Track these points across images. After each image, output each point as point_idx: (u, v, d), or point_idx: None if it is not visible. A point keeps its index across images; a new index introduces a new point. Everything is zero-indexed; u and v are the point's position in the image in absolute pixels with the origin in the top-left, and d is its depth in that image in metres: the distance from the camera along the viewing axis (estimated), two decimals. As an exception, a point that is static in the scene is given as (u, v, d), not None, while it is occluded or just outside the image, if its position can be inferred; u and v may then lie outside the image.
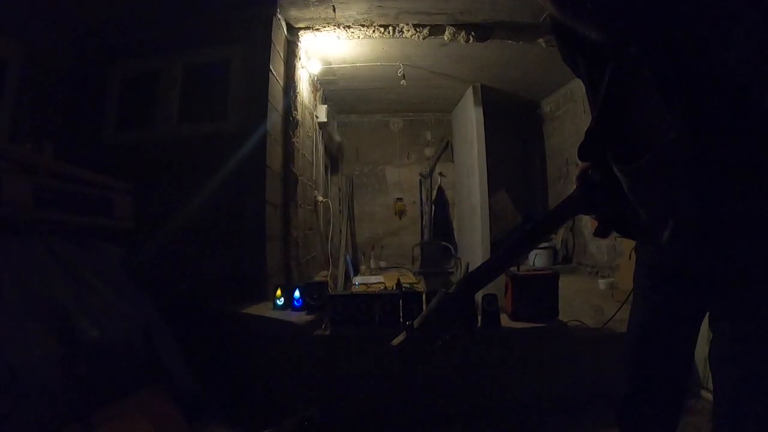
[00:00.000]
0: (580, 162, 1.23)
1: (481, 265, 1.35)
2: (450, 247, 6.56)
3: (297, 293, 3.11)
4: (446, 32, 4.24)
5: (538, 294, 2.91)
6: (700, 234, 1.02)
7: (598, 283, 4.69)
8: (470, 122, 6.23)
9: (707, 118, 0.91)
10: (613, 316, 2.88)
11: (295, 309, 3.08)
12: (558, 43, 1.18)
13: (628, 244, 3.51)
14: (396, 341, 1.26)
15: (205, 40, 3.79)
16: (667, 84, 0.93)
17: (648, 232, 1.13)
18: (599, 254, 5.73)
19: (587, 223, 5.96)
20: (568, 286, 4.27)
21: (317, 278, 4.71)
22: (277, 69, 3.93)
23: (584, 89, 1.23)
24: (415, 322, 1.27)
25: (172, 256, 3.37)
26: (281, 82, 4.07)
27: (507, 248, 1.30)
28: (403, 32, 4.21)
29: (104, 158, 3.37)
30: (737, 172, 0.93)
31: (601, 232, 1.28)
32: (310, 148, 5.20)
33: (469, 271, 1.38)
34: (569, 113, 6.35)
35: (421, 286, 4.95)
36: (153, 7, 3.67)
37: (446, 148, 7.58)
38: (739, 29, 0.84)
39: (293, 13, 3.98)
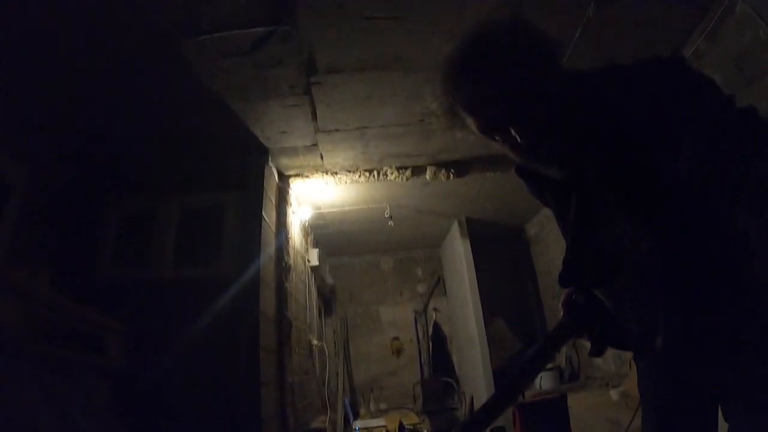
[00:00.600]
0: (561, 287, 1.30)
1: (482, 405, 1.33)
2: (452, 381, 6.34)
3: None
4: (428, 171, 4.54)
5: (548, 419, 2.81)
6: (690, 340, 1.06)
7: (609, 394, 4.50)
8: (459, 255, 6.37)
9: (670, 228, 1.01)
10: (630, 424, 2.75)
11: (294, 457, 2.91)
12: (526, 184, 1.33)
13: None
14: None
15: (201, 185, 3.99)
16: (628, 201, 1.04)
17: (640, 342, 1.17)
18: (605, 365, 5.56)
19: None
20: (579, 403, 4.10)
21: (315, 424, 4.48)
22: (270, 215, 4.10)
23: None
24: None
25: (163, 398, 3.24)
26: (273, 228, 4.22)
27: (507, 385, 1.31)
28: (387, 175, 4.50)
29: (98, 292, 3.38)
30: (708, 277, 1.00)
31: (595, 352, 1.30)
32: (303, 292, 5.24)
33: (474, 407, 1.37)
34: (553, 234, 6.52)
35: (425, 426, 4.70)
36: (154, 148, 3.91)
37: (438, 283, 7.64)
38: (683, 146, 0.94)
39: (284, 161, 4.28)
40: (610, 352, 5.40)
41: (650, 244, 1.02)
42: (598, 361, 5.76)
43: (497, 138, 1.10)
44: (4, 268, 2.67)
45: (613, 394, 4.42)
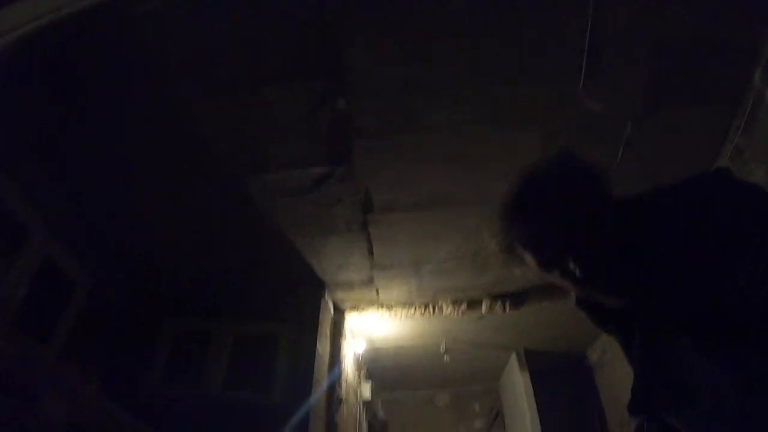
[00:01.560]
0: (631, 418, 1.23)
1: None
2: None
3: None
4: (483, 304, 4.48)
5: None
6: None
7: None
8: (518, 388, 6.06)
9: (741, 352, 0.95)
10: None
11: None
12: (587, 315, 1.30)
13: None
14: None
15: (257, 313, 4.09)
16: (693, 326, 1.00)
17: None
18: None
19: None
20: None
21: None
22: (324, 347, 4.09)
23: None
24: None
25: None
26: (326, 360, 4.19)
27: None
28: (442, 309, 4.47)
29: (144, 405, 3.36)
30: None
31: None
32: (353, 426, 5.03)
33: None
34: (618, 357, 6.10)
35: None
36: (215, 276, 4.06)
37: (497, 418, 7.18)
38: (743, 265, 0.92)
39: (340, 294, 4.34)
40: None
41: (722, 369, 0.96)
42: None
43: (556, 273, 1.09)
44: (55, 365, 2.71)
45: None
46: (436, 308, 4.46)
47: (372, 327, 4.82)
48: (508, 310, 4.52)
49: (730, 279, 0.94)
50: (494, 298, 4.52)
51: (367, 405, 5.79)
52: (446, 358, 5.31)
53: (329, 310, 4.36)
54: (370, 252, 3.72)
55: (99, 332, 3.73)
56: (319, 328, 3.99)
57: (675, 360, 1.06)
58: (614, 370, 6.36)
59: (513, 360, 6.26)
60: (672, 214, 1.05)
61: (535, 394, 5.88)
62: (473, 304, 4.49)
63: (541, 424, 5.69)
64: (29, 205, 3.06)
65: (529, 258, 1.11)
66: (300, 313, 4.04)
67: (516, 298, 4.53)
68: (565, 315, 5.04)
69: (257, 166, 3.02)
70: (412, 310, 4.47)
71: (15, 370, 2.08)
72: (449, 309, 4.45)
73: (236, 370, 3.92)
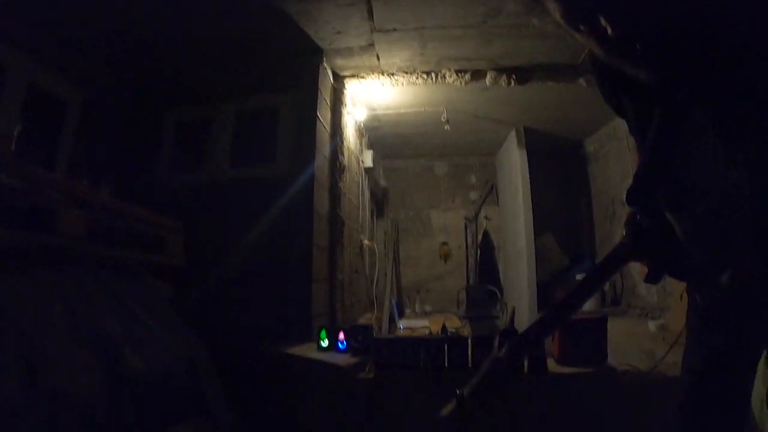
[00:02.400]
0: (627, 205, 1.20)
1: (533, 324, 1.30)
2: (496, 291, 6.44)
3: (342, 336, 3.12)
4: (488, 76, 4.33)
5: (587, 338, 2.82)
6: (761, 278, 0.99)
7: (648, 325, 4.48)
8: (514, 165, 6.22)
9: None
10: (663, 358, 2.74)
11: (339, 351, 3.09)
12: (600, 83, 1.17)
13: (678, 285, 3.35)
14: (446, 410, 1.21)
15: (255, 88, 4.01)
16: (724, 128, 0.92)
17: (704, 276, 1.09)
18: (649, 296, 5.51)
19: (636, 265, 5.73)
20: (617, 328, 4.09)
21: (362, 321, 4.70)
22: (324, 116, 4.08)
23: (628, 128, 1.21)
24: (465, 391, 1.23)
25: (220, 294, 3.46)
26: (328, 129, 4.21)
27: (560, 306, 1.26)
28: (445, 78, 4.32)
29: (157, 198, 3.50)
30: None
31: (652, 279, 1.22)
32: (356, 192, 5.30)
33: (515, 318, 1.36)
34: (613, 152, 6.25)
35: (466, 331, 4.85)
36: (207, 56, 3.93)
37: (491, 192, 7.54)
38: None
39: (339, 62, 4.17)
40: (656, 284, 5.27)
41: (744, 174, 0.90)
42: (641, 290, 5.69)
43: (582, 29, 0.92)
44: (66, 181, 2.80)
45: (652, 325, 4.38)
46: (439, 76, 4.31)
47: (373, 95, 4.73)
48: (513, 84, 4.37)
49: None
50: (500, 71, 4.34)
51: (369, 172, 6.02)
52: (447, 127, 5.32)
53: (329, 78, 4.23)
54: (370, 14, 3.45)
55: (101, 140, 3.73)
56: (319, 96, 3.91)
57: (691, 153, 0.98)
58: (608, 163, 6.49)
59: (512, 136, 6.31)
60: None
61: (530, 171, 6.03)
62: (478, 74, 4.32)
63: (532, 202, 5.95)
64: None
65: (553, 6, 0.92)
66: (299, 83, 3.92)
67: (522, 73, 4.35)
68: (570, 98, 4.95)
69: None
70: (414, 77, 4.33)
71: (26, 198, 2.09)
72: (453, 78, 4.30)
73: (240, 147, 3.96)
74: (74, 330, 2.02)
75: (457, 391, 1.22)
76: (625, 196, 1.08)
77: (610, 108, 1.26)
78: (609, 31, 0.87)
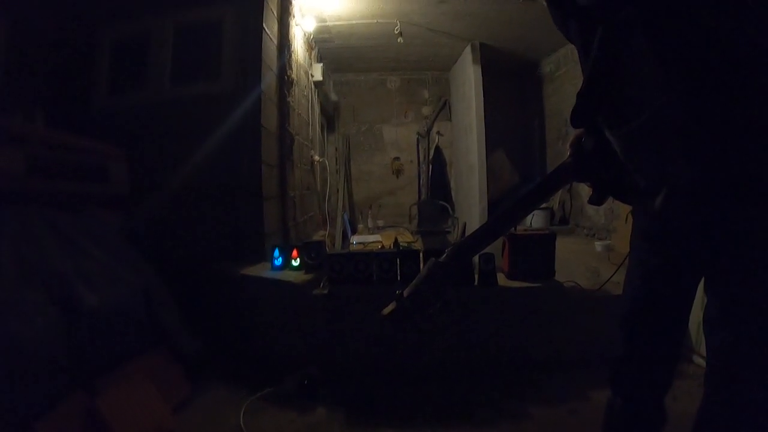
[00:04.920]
0: (571, 126, 1.22)
1: (474, 231, 1.35)
2: (447, 206, 6.58)
3: (295, 253, 3.14)
4: (444, -13, 4.16)
5: (535, 254, 2.94)
6: (694, 199, 1.02)
7: (594, 245, 4.71)
8: (468, 81, 6.16)
9: (704, 85, 0.90)
10: (609, 278, 2.90)
11: (292, 269, 3.12)
12: (550, 8, 1.16)
13: (625, 207, 3.50)
14: (386, 311, 1.28)
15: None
16: (662, 48, 0.92)
17: (643, 197, 1.13)
18: (596, 216, 5.76)
19: (585, 186, 5.95)
20: (564, 247, 4.29)
21: (315, 238, 4.74)
22: (271, 27, 3.84)
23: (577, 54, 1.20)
24: (405, 292, 1.29)
25: (169, 219, 3.39)
26: (275, 41, 3.99)
27: (500, 216, 1.30)
28: (400, -13, 4.13)
29: (97, 124, 3.32)
30: (733, 138, 0.92)
31: (596, 200, 1.27)
32: (305, 107, 5.15)
33: (465, 233, 1.40)
34: (569, 74, 6.27)
35: (418, 245, 4.98)
36: None
37: (444, 107, 7.47)
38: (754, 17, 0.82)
39: (286, -32, 3.89)
40: (603, 206, 5.48)
41: (678, 97, 0.92)
42: (589, 211, 5.92)
43: None
44: None
45: (598, 245, 4.60)
46: (393, -14, 4.12)
47: (323, 4, 4.49)
48: (470, -4, 4.24)
49: (733, 26, 0.85)
50: (457, -19, 4.18)
51: (319, 87, 5.83)
52: (400, 40, 5.18)
53: (275, -15, 3.95)
54: None
55: (31, 69, 3.39)
56: (264, 6, 3.64)
57: (628, 76, 0.98)
58: (563, 84, 6.52)
59: (467, 52, 6.20)
60: None
61: (484, 90, 6.00)
62: (434, -15, 4.16)
63: (485, 119, 5.96)
64: None
65: None
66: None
67: (480, -16, 4.22)
68: (529, 17, 4.90)
69: None
70: (367, -14, 4.13)
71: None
72: (407, -12, 4.12)
73: (182, 63, 3.68)
74: (24, 272, 1.95)
75: (397, 292, 1.30)
76: (569, 116, 1.12)
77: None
78: None
